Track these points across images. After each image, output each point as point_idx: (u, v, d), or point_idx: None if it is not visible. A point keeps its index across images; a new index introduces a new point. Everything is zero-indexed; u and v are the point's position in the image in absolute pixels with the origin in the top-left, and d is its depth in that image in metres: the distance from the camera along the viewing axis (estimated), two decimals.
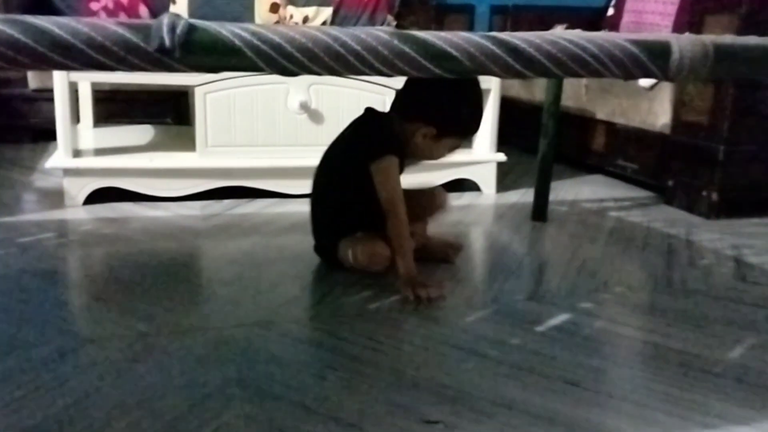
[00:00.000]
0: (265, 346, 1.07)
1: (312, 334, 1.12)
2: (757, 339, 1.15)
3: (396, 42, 0.66)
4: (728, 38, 0.89)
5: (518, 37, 0.68)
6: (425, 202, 1.49)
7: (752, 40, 0.94)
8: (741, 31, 1.72)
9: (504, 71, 0.69)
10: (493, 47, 0.68)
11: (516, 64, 0.69)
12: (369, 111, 1.44)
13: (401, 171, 1.40)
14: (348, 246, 1.38)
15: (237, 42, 0.62)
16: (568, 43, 0.70)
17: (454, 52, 0.67)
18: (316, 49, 0.64)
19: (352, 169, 1.38)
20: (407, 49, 0.66)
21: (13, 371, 0.96)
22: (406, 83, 1.40)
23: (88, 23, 0.60)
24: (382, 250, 1.34)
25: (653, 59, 0.73)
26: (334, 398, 0.92)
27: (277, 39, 0.63)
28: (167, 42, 0.60)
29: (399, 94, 1.42)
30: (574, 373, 1.01)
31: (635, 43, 0.72)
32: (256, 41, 0.62)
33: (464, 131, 1.41)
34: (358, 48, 0.65)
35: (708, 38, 0.78)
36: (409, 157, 1.42)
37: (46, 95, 2.62)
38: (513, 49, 0.68)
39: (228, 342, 1.08)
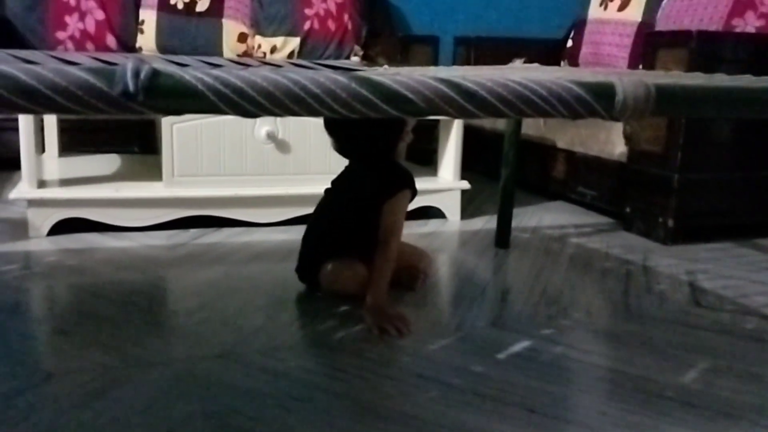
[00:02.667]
0: (230, 378, 1.07)
1: (276, 365, 1.13)
2: (711, 363, 1.19)
3: (354, 85, 0.69)
4: (670, 79, 0.94)
5: (471, 81, 0.72)
6: (413, 260, 1.55)
7: (695, 80, 1.00)
8: (691, 64, 1.80)
9: (459, 113, 0.73)
10: (448, 90, 0.71)
11: (470, 106, 0.72)
12: (369, 153, 1.48)
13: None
14: (329, 269, 1.42)
15: (200, 86, 0.64)
16: (518, 86, 0.73)
17: (410, 95, 0.70)
18: (277, 93, 0.66)
19: (361, 204, 1.44)
20: (365, 92, 0.69)
21: None
22: (341, 130, 1.45)
23: (52, 69, 0.61)
24: (362, 271, 1.39)
25: (598, 100, 0.77)
26: (297, 429, 0.93)
27: (239, 83, 0.65)
28: (131, 87, 0.62)
29: (352, 139, 1.46)
30: (533, 400, 1.04)
31: (581, 85, 0.76)
32: (218, 85, 0.65)
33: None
34: (318, 91, 0.68)
35: (651, 79, 0.83)
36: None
37: (9, 125, 2.59)
38: (466, 92, 0.72)
39: (192, 374, 1.08)
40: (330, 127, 1.45)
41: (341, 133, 1.45)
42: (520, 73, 0.91)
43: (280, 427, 0.93)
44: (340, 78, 0.69)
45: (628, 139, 2.04)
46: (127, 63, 0.63)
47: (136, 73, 0.62)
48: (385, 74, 0.73)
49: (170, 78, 0.64)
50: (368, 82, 0.70)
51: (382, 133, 1.43)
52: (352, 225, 1.45)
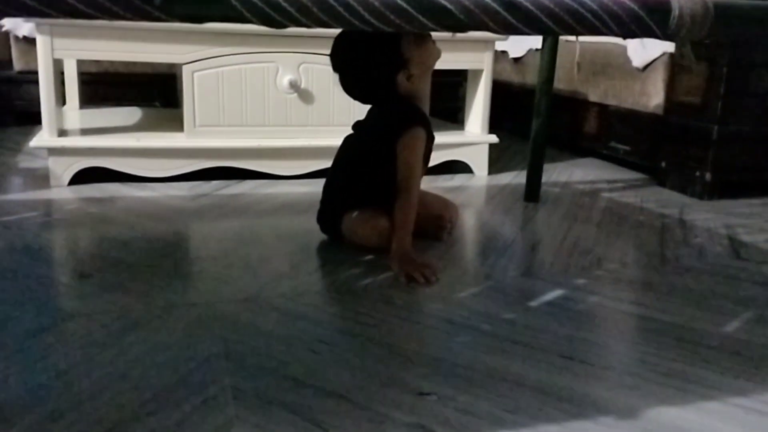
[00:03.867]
0: (254, 321, 1.04)
1: (301, 309, 1.10)
2: (753, 313, 1.14)
3: None
4: None
5: None
6: (439, 209, 1.50)
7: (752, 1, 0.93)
8: None
9: (500, 27, 0.67)
10: (490, 1, 0.65)
11: (514, 20, 0.67)
12: (369, 88, 1.41)
13: (429, 151, 1.43)
14: (351, 221, 1.37)
15: None
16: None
17: (449, 6, 0.65)
18: (305, 0, 0.61)
19: (374, 148, 1.38)
20: (400, 2, 0.64)
21: None
22: (342, 68, 1.38)
23: None
24: (385, 224, 1.33)
25: (653, 16, 0.71)
26: (324, 371, 0.90)
27: None
28: None
29: (350, 79, 1.40)
30: (568, 347, 0.99)
31: (635, 0, 0.70)
32: None
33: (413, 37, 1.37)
34: (349, 0, 0.62)
35: None
36: (423, 107, 1.42)
37: (30, 77, 2.57)
38: (510, 4, 0.66)
39: (216, 317, 1.05)
40: (334, 62, 1.39)
41: (343, 68, 1.38)
42: None
43: (307, 369, 0.90)
44: None
45: (670, 88, 1.95)
46: None
47: None
48: None
49: None
50: None
51: (376, 64, 1.34)
52: (369, 171, 1.39)
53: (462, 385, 0.88)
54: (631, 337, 1.06)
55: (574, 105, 2.40)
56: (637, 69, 2.07)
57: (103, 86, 2.65)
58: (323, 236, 1.45)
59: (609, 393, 0.87)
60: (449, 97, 2.78)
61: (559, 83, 2.37)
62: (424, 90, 1.42)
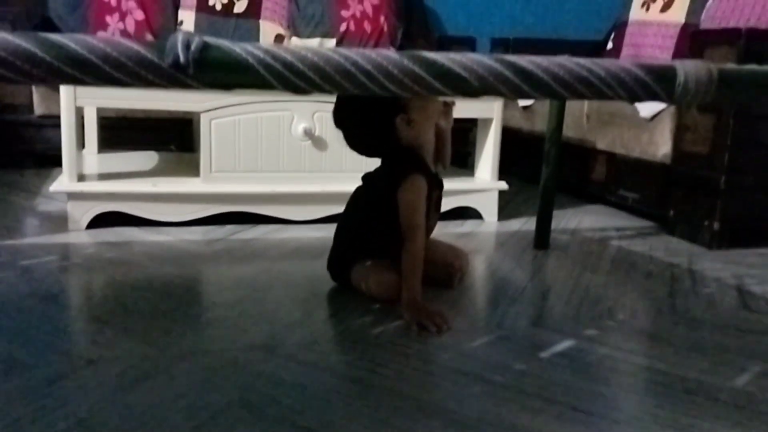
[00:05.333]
0: (269, 369, 1.06)
1: (315, 358, 1.12)
2: (762, 367, 1.14)
3: (405, 62, 0.67)
4: (731, 65, 0.90)
5: (527, 59, 0.69)
6: (449, 258, 1.51)
7: (755, 67, 0.96)
8: (740, 63, 1.74)
9: (512, 92, 0.70)
10: (502, 68, 0.69)
11: (524, 86, 0.70)
12: (369, 141, 1.45)
13: (432, 201, 1.44)
14: (360, 273, 1.40)
15: (250, 59, 0.63)
16: (576, 66, 0.71)
17: (464, 73, 0.68)
18: (328, 68, 0.65)
19: (379, 199, 1.41)
20: (416, 69, 0.67)
21: (14, 392, 0.95)
22: (344, 121, 1.41)
23: (103, 39, 0.61)
24: (392, 277, 1.35)
25: (659, 82, 0.74)
26: (338, 422, 0.91)
27: (289, 57, 0.64)
28: (182, 58, 0.60)
29: (352, 131, 1.43)
30: (579, 399, 1.00)
31: (641, 66, 0.73)
32: (268, 59, 0.63)
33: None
34: (369, 67, 0.66)
35: (712, 64, 0.80)
36: (426, 156, 1.43)
37: (51, 121, 2.64)
38: (521, 71, 0.69)
39: (231, 365, 1.07)
40: (336, 118, 1.42)
41: (345, 121, 1.42)
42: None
43: (321, 419, 0.91)
44: (393, 55, 0.67)
45: (678, 138, 1.98)
46: (177, 34, 0.61)
47: (187, 45, 0.61)
48: (437, 53, 0.71)
49: (220, 50, 0.63)
50: (421, 59, 0.68)
51: (374, 109, 1.37)
52: (375, 221, 1.41)
53: None
54: (642, 390, 1.07)
55: (582, 152, 2.43)
56: (645, 119, 2.11)
57: (121, 130, 2.71)
58: (334, 283, 1.47)
59: None
60: (460, 141, 2.83)
61: (568, 131, 2.40)
62: (426, 139, 1.43)
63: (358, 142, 1.44)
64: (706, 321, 1.35)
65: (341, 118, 1.42)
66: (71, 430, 0.86)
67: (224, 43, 0.63)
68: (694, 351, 1.20)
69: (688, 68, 0.76)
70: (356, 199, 1.48)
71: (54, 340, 1.14)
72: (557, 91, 0.71)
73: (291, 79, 0.64)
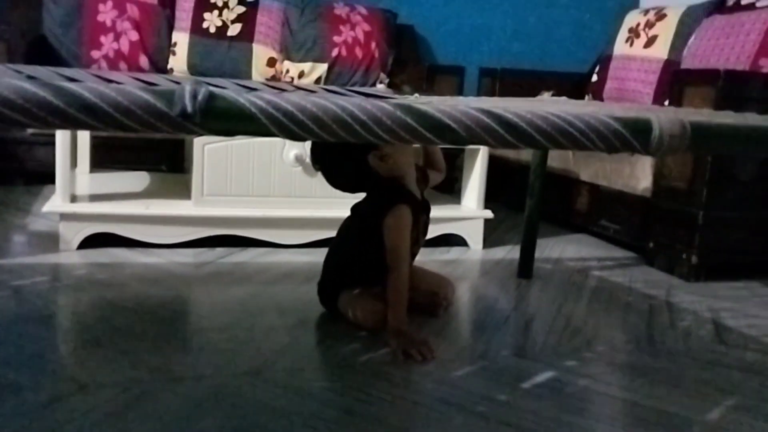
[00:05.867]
0: (257, 396, 1.09)
1: (303, 385, 1.15)
2: (735, 401, 1.19)
3: (399, 113, 0.71)
4: (705, 116, 0.96)
5: (512, 113, 0.74)
6: (435, 287, 1.55)
7: (727, 118, 1.01)
8: (718, 104, 1.81)
9: (498, 143, 0.75)
10: (489, 121, 0.73)
11: (510, 137, 0.74)
12: (346, 177, 1.48)
13: (420, 226, 1.48)
14: (348, 301, 1.43)
15: (253, 109, 0.67)
16: (558, 119, 0.75)
17: (453, 124, 0.72)
18: (325, 118, 0.69)
19: (364, 230, 1.44)
20: (409, 120, 0.72)
21: (6, 416, 0.98)
22: (321, 161, 1.46)
23: (114, 88, 0.64)
24: (378, 307, 1.38)
25: (635, 135, 0.79)
26: None
27: (289, 107, 0.68)
28: (189, 108, 0.64)
29: (330, 170, 1.46)
30: (558, 430, 1.04)
31: (619, 120, 0.78)
32: (270, 109, 0.67)
33: None
34: (364, 118, 0.70)
35: (686, 116, 0.85)
36: (409, 184, 1.46)
37: (42, 139, 2.66)
38: (507, 124, 0.74)
39: (220, 391, 1.10)
40: (313, 157, 1.46)
41: (321, 161, 1.45)
42: (554, 107, 0.93)
43: None
44: (386, 106, 0.71)
45: (657, 172, 2.04)
46: (185, 85, 0.65)
47: (194, 95, 0.65)
48: (428, 104, 0.75)
49: (225, 100, 0.67)
50: (413, 110, 0.72)
51: (347, 150, 1.40)
52: (362, 251, 1.45)
53: None
54: (619, 421, 1.11)
55: (566, 183, 2.49)
56: (627, 153, 2.17)
57: (112, 150, 2.73)
58: (323, 308, 1.50)
59: None
60: (447, 166, 2.88)
61: (553, 161, 2.46)
62: (406, 169, 1.46)
63: (338, 180, 1.48)
64: (682, 354, 1.40)
65: (319, 157, 1.46)
66: None
67: (229, 93, 0.67)
68: (670, 384, 1.24)
69: (663, 122, 0.80)
70: (345, 228, 1.52)
71: (46, 362, 1.16)
72: (540, 142, 0.76)
73: (291, 127, 0.68)
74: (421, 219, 1.50)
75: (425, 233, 1.56)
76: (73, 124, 0.63)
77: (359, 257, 1.46)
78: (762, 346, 1.47)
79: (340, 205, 1.60)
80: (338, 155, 1.43)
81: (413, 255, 1.51)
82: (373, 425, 1.02)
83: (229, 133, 0.69)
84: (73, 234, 1.84)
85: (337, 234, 1.54)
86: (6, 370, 1.11)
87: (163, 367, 1.17)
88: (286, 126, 0.68)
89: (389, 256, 1.39)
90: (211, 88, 0.67)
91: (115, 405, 1.03)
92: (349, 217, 1.53)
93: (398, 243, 1.39)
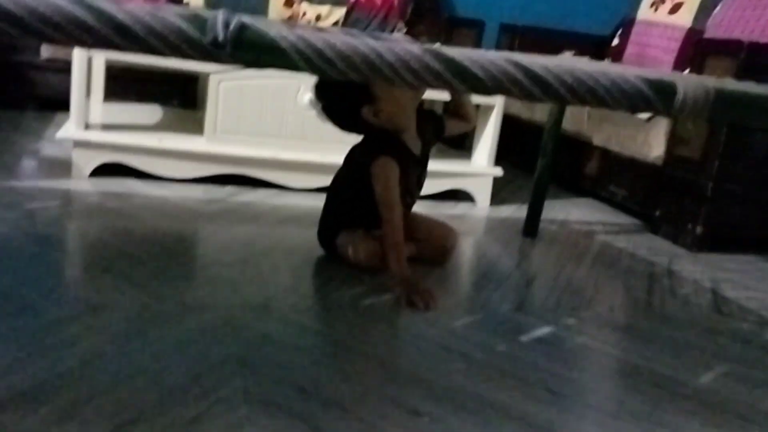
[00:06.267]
0: (264, 330, 1.12)
1: (308, 322, 1.17)
2: (728, 368, 1.22)
3: (427, 58, 0.71)
4: (730, 84, 0.95)
5: (539, 66, 0.74)
6: (439, 236, 1.56)
7: (751, 87, 1.01)
8: (740, 75, 1.79)
9: (523, 95, 0.75)
10: (515, 72, 0.73)
11: (535, 90, 0.75)
12: (340, 117, 1.49)
13: (411, 180, 1.47)
14: (346, 240, 1.44)
15: (283, 43, 0.67)
16: (584, 75, 0.75)
17: (480, 73, 0.73)
18: (354, 57, 0.69)
19: (358, 172, 1.44)
20: (437, 66, 0.72)
21: (20, 331, 1.01)
22: (321, 96, 1.46)
23: (149, 12, 0.64)
24: (374, 249, 1.41)
25: (659, 97, 0.79)
26: (328, 383, 0.97)
27: (320, 44, 0.68)
28: (221, 37, 0.65)
29: (327, 108, 1.47)
30: (554, 382, 1.07)
31: (644, 80, 0.78)
32: (300, 44, 0.67)
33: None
34: (392, 60, 0.70)
35: (711, 82, 0.85)
36: (406, 136, 1.46)
37: (56, 65, 2.65)
38: (534, 76, 0.74)
39: (228, 321, 1.12)
40: (317, 91, 1.46)
41: (321, 97, 1.45)
42: (579, 64, 0.93)
43: (312, 380, 0.97)
44: (415, 50, 0.71)
45: (671, 140, 2.04)
46: (218, 14, 0.65)
47: (227, 24, 0.65)
48: (454, 50, 0.75)
49: (256, 32, 0.67)
50: (441, 56, 0.72)
51: (344, 95, 1.41)
52: (357, 193, 1.45)
53: (453, 409, 0.95)
54: (613, 379, 1.14)
55: (578, 146, 2.48)
56: (642, 120, 2.16)
57: (125, 81, 2.72)
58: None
59: (587, 429, 0.95)
60: None
61: (566, 124, 2.44)
62: (402, 122, 1.45)
63: (333, 118, 1.48)
64: (679, 320, 1.42)
65: (321, 94, 1.46)
66: (77, 370, 0.92)
67: (260, 25, 0.67)
68: (665, 347, 1.27)
69: (687, 85, 0.80)
70: (341, 171, 1.53)
71: (57, 283, 1.19)
72: (564, 96, 0.76)
73: (319, 64, 0.68)
74: (414, 171, 1.49)
75: (419, 186, 1.56)
76: (104, 43, 0.64)
77: (355, 201, 1.47)
78: (759, 318, 1.50)
79: None
80: (338, 96, 1.43)
81: (408, 206, 1.51)
82: (377, 365, 1.05)
83: (258, 65, 0.69)
84: (86, 162, 1.85)
85: (335, 177, 1.55)
86: (19, 288, 1.14)
87: (171, 295, 1.20)
88: (315, 63, 0.68)
89: (379, 204, 1.39)
90: (243, 19, 0.67)
91: (125, 328, 1.06)
92: (345, 160, 1.53)
93: (384, 193, 1.39)
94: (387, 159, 1.40)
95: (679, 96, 0.80)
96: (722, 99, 0.82)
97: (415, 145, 1.49)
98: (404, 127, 1.47)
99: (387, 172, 1.40)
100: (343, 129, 1.50)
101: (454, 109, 1.62)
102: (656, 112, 0.80)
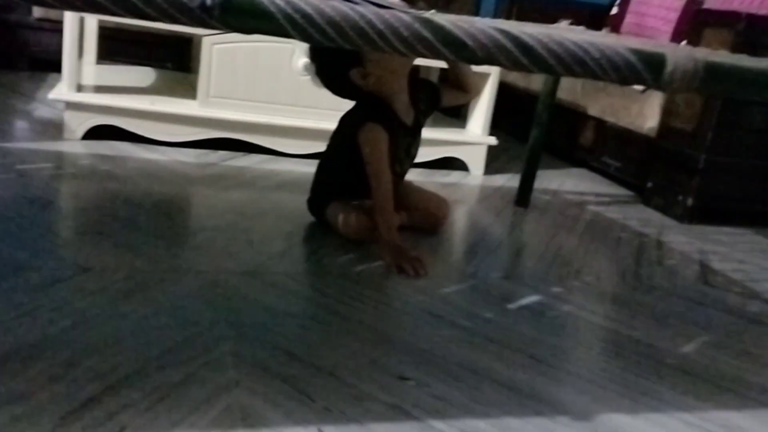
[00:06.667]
0: (254, 294, 1.13)
1: (299, 288, 1.19)
2: (710, 338, 1.24)
3: (417, 26, 0.71)
4: (720, 57, 0.95)
5: (528, 35, 0.74)
6: (432, 207, 1.57)
7: (744, 61, 1.01)
8: (736, 47, 1.79)
9: (512, 65, 0.75)
10: (505, 41, 0.73)
11: (524, 59, 0.75)
12: (331, 80, 1.48)
13: (401, 148, 1.47)
14: (336, 210, 1.44)
15: (272, 8, 0.67)
16: (573, 46, 0.75)
17: (470, 42, 0.72)
18: (344, 24, 0.69)
19: (348, 139, 1.43)
20: (426, 33, 0.71)
21: (12, 292, 1.01)
22: (314, 57, 1.47)
23: None
24: (361, 221, 1.40)
25: (648, 69, 0.79)
26: (317, 347, 0.99)
27: (309, 10, 0.68)
28: (209, 1, 0.64)
29: (319, 69, 1.46)
30: (538, 349, 1.09)
31: (633, 52, 0.78)
32: (289, 10, 0.67)
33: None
34: (382, 27, 0.70)
35: (701, 55, 0.85)
36: (396, 104, 1.45)
37: (48, 25, 2.61)
38: (523, 46, 0.74)
39: (219, 286, 1.14)
40: (311, 52, 1.45)
41: (314, 58, 1.46)
42: (570, 34, 0.93)
43: (301, 344, 0.99)
44: (405, 18, 0.71)
45: (665, 112, 2.04)
46: None
47: None
48: (445, 19, 0.75)
49: None
50: (430, 24, 0.72)
51: (333, 55, 1.40)
52: (348, 163, 1.43)
53: (438, 373, 0.97)
54: (597, 347, 1.16)
55: (573, 116, 2.48)
56: (637, 91, 2.15)
57: (118, 42, 2.69)
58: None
59: (569, 396, 0.97)
60: None
61: (561, 93, 2.44)
62: (393, 89, 1.44)
63: (324, 80, 1.47)
64: (665, 290, 1.44)
65: (315, 55, 1.46)
66: (69, 331, 0.93)
67: None
68: (650, 317, 1.29)
69: (677, 58, 0.80)
70: (333, 139, 1.53)
71: (49, 244, 1.20)
72: (554, 67, 0.76)
73: (308, 30, 0.68)
74: (403, 141, 1.48)
75: (411, 156, 1.54)
76: (94, 7, 0.63)
77: (345, 170, 1.47)
78: (744, 289, 1.52)
79: None
80: (331, 58, 1.42)
81: (399, 175, 1.50)
82: (365, 330, 1.07)
83: (246, 30, 0.69)
84: (78, 123, 1.84)
85: (327, 145, 1.54)
86: (11, 248, 1.15)
87: (163, 259, 1.21)
88: (304, 28, 0.68)
89: (367, 170, 1.39)
90: None
91: (117, 290, 1.07)
92: (336, 128, 1.52)
93: (372, 160, 1.38)
94: (374, 125, 1.39)
95: (668, 68, 0.80)
96: (711, 72, 0.82)
97: (406, 114, 1.48)
98: (394, 93, 1.45)
99: (374, 139, 1.39)
100: (334, 93, 1.50)
101: (454, 79, 1.59)
102: (646, 84, 0.80)
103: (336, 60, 1.41)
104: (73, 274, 1.10)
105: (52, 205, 1.40)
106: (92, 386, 0.82)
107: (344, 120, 1.51)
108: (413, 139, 1.53)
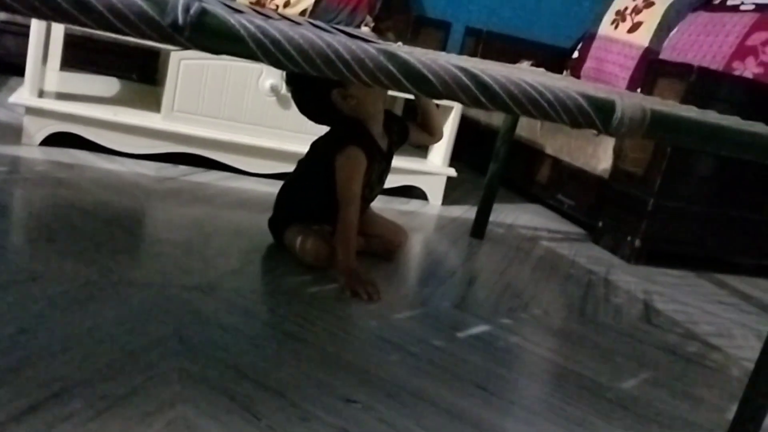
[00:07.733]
0: (205, 310, 1.13)
1: (250, 306, 1.19)
2: (651, 375, 1.28)
3: (382, 58, 0.74)
4: (668, 107, 1.01)
5: (488, 74, 0.77)
6: (389, 233, 1.59)
7: (690, 112, 1.07)
8: (686, 97, 1.87)
9: (470, 101, 0.78)
10: (465, 79, 0.77)
11: (482, 97, 0.78)
12: (308, 105, 1.50)
13: (375, 173, 1.49)
14: (295, 233, 1.44)
15: (242, 32, 0.69)
16: (529, 87, 0.79)
17: (431, 77, 0.76)
18: (311, 52, 0.71)
19: (322, 163, 1.45)
20: (390, 66, 0.74)
21: None
22: (292, 82, 1.48)
23: None
24: (321, 247, 1.40)
25: (599, 114, 0.83)
26: (265, 367, 0.99)
27: (278, 36, 0.70)
28: (180, 20, 0.66)
29: (298, 94, 1.48)
30: (484, 379, 1.11)
31: (585, 97, 0.82)
32: (259, 34, 0.69)
33: None
34: (348, 57, 0.73)
35: (650, 104, 0.90)
36: (373, 128, 1.47)
37: (13, 29, 2.58)
38: (482, 84, 0.77)
39: (170, 300, 1.13)
40: (287, 77, 1.46)
41: (292, 82, 1.47)
42: (530, 76, 0.97)
43: (249, 363, 0.99)
44: (371, 49, 0.74)
45: (617, 155, 2.12)
46: None
47: (187, 8, 0.66)
48: (411, 53, 0.78)
49: (216, 18, 0.68)
50: (395, 58, 0.75)
51: (312, 81, 1.40)
52: (316, 187, 1.45)
53: (385, 398, 0.98)
54: (541, 379, 1.19)
55: (531, 153, 2.55)
56: (593, 133, 2.23)
57: (84, 51, 2.67)
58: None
59: (511, 424, 0.99)
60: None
61: (521, 131, 2.51)
62: (371, 113, 1.46)
63: (304, 106, 1.49)
64: (610, 327, 1.49)
65: (291, 78, 1.48)
66: (14, 337, 0.92)
67: (221, 12, 0.69)
68: (594, 352, 1.33)
69: (626, 105, 0.85)
70: (303, 163, 1.54)
71: (0, 250, 1.18)
72: (510, 106, 0.80)
73: (276, 55, 0.70)
74: (378, 166, 1.50)
75: (381, 182, 1.57)
76: (63, 17, 0.64)
77: (312, 193, 1.48)
78: (685, 330, 1.58)
79: (308, 140, 1.61)
80: (308, 81, 1.43)
81: (367, 200, 1.53)
82: (315, 352, 1.08)
83: (215, 51, 0.70)
84: (37, 129, 1.82)
85: (295, 168, 1.55)
86: None
87: (115, 270, 1.20)
88: (272, 53, 0.70)
89: (339, 194, 1.40)
90: (204, 4, 0.68)
91: (66, 299, 1.06)
92: (308, 153, 1.54)
93: (347, 183, 1.40)
94: (354, 148, 1.40)
95: (617, 114, 0.84)
96: (658, 120, 0.87)
97: (382, 139, 1.50)
98: (371, 117, 1.47)
99: (352, 163, 1.40)
100: (310, 117, 1.50)
101: (422, 120, 1.61)
102: (596, 128, 0.85)
103: (317, 81, 1.40)
104: (21, 280, 1.08)
105: (4, 209, 1.38)
106: (35, 394, 0.81)
107: (318, 144, 1.52)
108: (387, 166, 1.55)
